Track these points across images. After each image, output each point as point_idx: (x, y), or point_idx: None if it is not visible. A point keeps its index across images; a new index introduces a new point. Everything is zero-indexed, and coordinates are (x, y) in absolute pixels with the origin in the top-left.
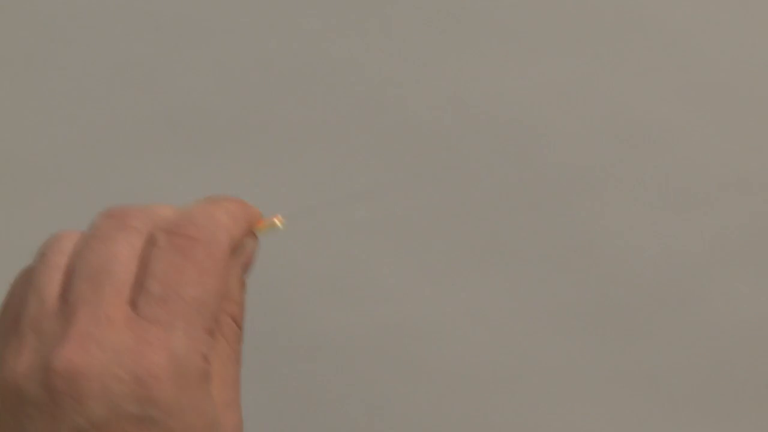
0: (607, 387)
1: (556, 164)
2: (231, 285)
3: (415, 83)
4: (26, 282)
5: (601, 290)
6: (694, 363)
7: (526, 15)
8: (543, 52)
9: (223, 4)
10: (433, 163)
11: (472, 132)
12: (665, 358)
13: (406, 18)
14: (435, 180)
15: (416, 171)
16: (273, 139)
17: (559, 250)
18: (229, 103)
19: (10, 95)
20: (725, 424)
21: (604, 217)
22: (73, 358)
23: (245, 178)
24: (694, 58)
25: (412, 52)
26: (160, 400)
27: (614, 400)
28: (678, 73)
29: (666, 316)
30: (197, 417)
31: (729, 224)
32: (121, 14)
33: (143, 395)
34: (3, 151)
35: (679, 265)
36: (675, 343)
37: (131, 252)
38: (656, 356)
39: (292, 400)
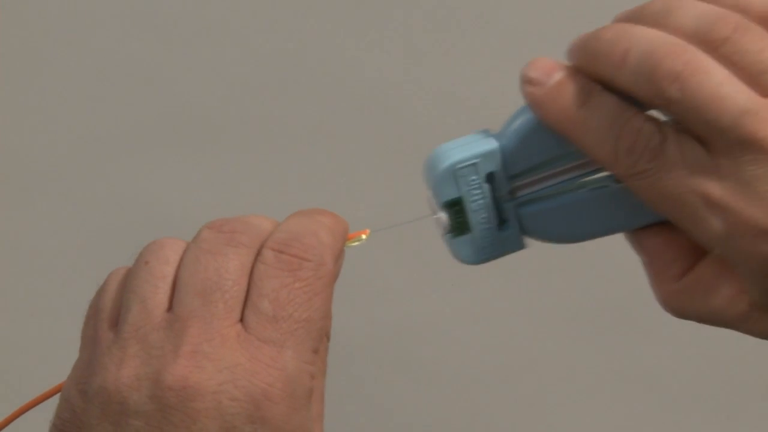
0: (607, 387)
1: None
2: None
3: (415, 83)
4: (126, 287)
5: (601, 291)
6: (694, 363)
7: (526, 15)
8: (543, 52)
9: (223, 4)
10: None
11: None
12: (665, 358)
13: (406, 18)
14: None
15: (416, 171)
16: (272, 139)
17: (559, 250)
18: (229, 103)
19: (10, 95)
20: (725, 424)
21: None
22: (188, 375)
23: (245, 178)
24: None
25: (411, 52)
26: (272, 420)
27: (614, 400)
28: None
29: (666, 316)
30: None
31: None
32: (121, 14)
33: (256, 415)
34: (4, 151)
35: None
36: (675, 343)
37: (242, 268)
38: (656, 356)
39: None
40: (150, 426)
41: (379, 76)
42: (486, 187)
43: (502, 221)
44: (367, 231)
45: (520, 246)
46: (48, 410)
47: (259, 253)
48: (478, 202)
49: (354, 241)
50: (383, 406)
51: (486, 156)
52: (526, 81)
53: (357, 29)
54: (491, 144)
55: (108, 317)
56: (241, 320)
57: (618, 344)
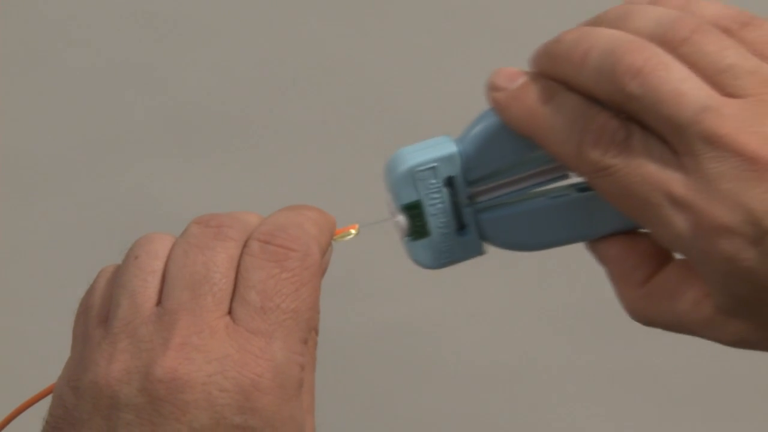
0: (607, 387)
1: None
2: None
3: (414, 83)
4: (116, 283)
5: (600, 290)
6: (694, 363)
7: (525, 15)
8: None
9: (223, 5)
10: None
11: None
12: (665, 358)
13: (406, 18)
14: None
15: None
16: (273, 139)
17: (559, 250)
18: (229, 103)
19: (11, 95)
20: (725, 424)
21: None
22: (177, 367)
23: (245, 178)
24: None
25: (411, 52)
26: (262, 411)
27: (614, 400)
28: None
29: None
30: (292, 426)
31: None
32: (122, 14)
33: (246, 405)
34: (5, 151)
35: None
36: (675, 343)
37: (229, 261)
38: (656, 356)
39: None
40: (141, 419)
41: (379, 77)
42: (445, 191)
43: (461, 226)
44: (356, 226)
45: (480, 252)
46: (42, 410)
47: (245, 245)
48: (437, 206)
49: (342, 236)
50: (383, 405)
51: (445, 160)
52: (491, 88)
53: (357, 29)
54: (451, 148)
55: (97, 314)
56: (230, 312)
57: (618, 344)
